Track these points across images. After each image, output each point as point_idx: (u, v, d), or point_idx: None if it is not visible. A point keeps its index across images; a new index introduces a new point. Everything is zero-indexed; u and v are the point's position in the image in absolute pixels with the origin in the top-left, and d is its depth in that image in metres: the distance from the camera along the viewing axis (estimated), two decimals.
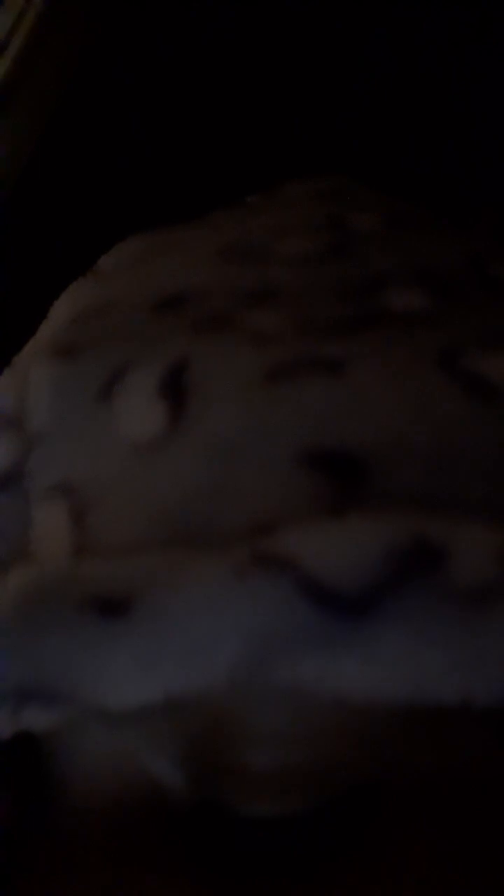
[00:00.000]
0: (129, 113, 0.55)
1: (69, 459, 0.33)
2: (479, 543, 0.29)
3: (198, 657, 0.28)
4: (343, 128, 0.54)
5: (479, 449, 0.31)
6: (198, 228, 0.38)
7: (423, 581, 0.28)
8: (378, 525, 0.29)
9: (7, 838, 0.32)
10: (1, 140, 0.54)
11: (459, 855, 0.30)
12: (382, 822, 0.30)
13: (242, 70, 0.54)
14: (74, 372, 0.34)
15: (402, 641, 0.28)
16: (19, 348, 0.38)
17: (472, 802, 0.30)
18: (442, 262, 0.36)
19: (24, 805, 0.33)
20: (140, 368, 0.33)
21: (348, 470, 0.30)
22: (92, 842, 0.31)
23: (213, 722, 0.30)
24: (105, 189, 0.55)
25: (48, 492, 0.33)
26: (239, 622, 0.28)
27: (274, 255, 0.36)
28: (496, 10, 0.52)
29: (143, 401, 0.32)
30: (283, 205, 0.39)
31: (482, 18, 0.52)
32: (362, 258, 0.35)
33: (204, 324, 0.34)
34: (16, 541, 0.33)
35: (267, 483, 0.30)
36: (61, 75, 0.54)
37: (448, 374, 0.32)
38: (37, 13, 0.53)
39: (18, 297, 0.55)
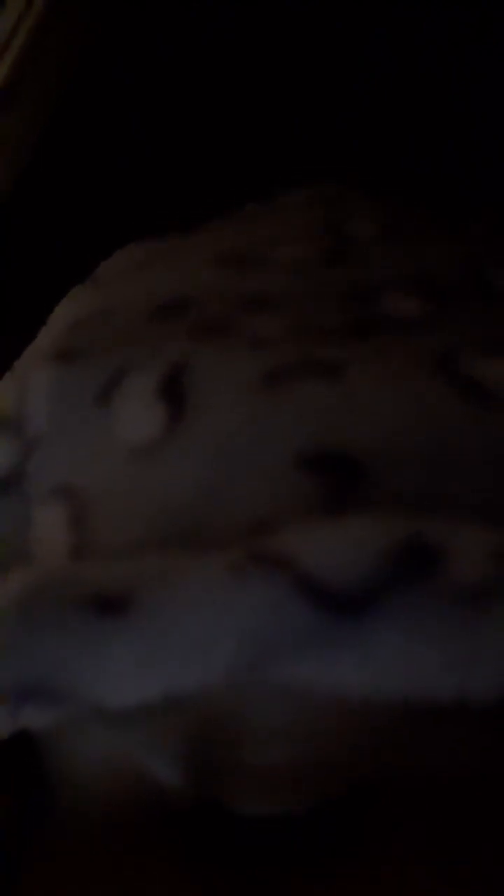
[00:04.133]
0: (129, 113, 0.55)
1: (68, 463, 0.33)
2: (475, 543, 0.29)
3: (195, 656, 0.29)
4: (343, 128, 0.54)
5: (476, 451, 0.31)
6: (196, 236, 0.39)
7: (420, 581, 0.29)
8: (375, 525, 0.29)
9: (7, 838, 0.33)
10: (1, 141, 0.54)
11: (460, 851, 0.30)
12: (383, 817, 0.30)
13: (242, 70, 0.54)
14: (73, 376, 0.34)
15: (399, 641, 0.28)
16: (19, 353, 0.38)
17: (472, 799, 0.30)
18: (440, 268, 0.36)
19: (24, 804, 0.33)
20: (138, 372, 0.33)
21: (346, 472, 0.30)
22: (92, 841, 0.31)
23: (212, 721, 0.30)
24: (104, 192, 0.56)
25: (47, 495, 0.33)
26: (236, 621, 0.29)
27: (272, 261, 0.36)
28: (496, 10, 0.52)
29: (142, 404, 0.33)
30: (281, 212, 0.39)
31: (482, 18, 0.52)
32: (360, 265, 0.36)
33: (202, 329, 0.34)
34: (15, 543, 0.33)
35: (264, 485, 0.30)
36: (62, 75, 0.54)
37: (445, 377, 0.32)
38: (37, 14, 0.53)
39: (18, 302, 0.55)
